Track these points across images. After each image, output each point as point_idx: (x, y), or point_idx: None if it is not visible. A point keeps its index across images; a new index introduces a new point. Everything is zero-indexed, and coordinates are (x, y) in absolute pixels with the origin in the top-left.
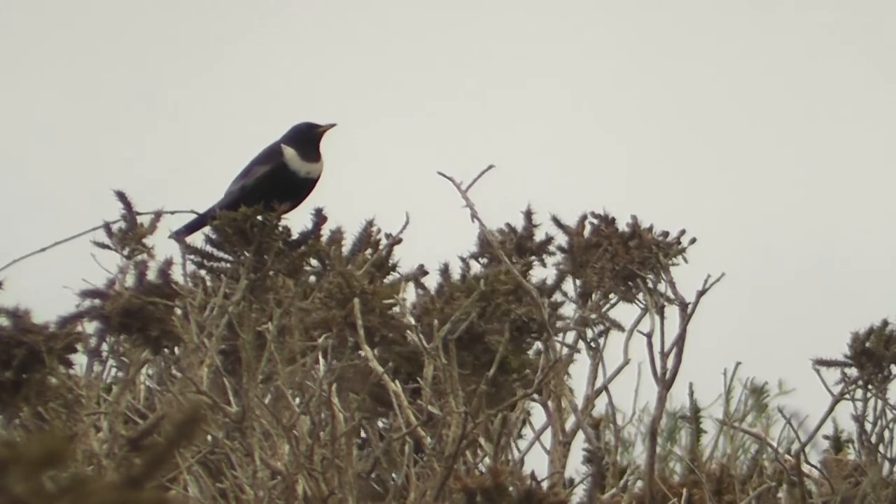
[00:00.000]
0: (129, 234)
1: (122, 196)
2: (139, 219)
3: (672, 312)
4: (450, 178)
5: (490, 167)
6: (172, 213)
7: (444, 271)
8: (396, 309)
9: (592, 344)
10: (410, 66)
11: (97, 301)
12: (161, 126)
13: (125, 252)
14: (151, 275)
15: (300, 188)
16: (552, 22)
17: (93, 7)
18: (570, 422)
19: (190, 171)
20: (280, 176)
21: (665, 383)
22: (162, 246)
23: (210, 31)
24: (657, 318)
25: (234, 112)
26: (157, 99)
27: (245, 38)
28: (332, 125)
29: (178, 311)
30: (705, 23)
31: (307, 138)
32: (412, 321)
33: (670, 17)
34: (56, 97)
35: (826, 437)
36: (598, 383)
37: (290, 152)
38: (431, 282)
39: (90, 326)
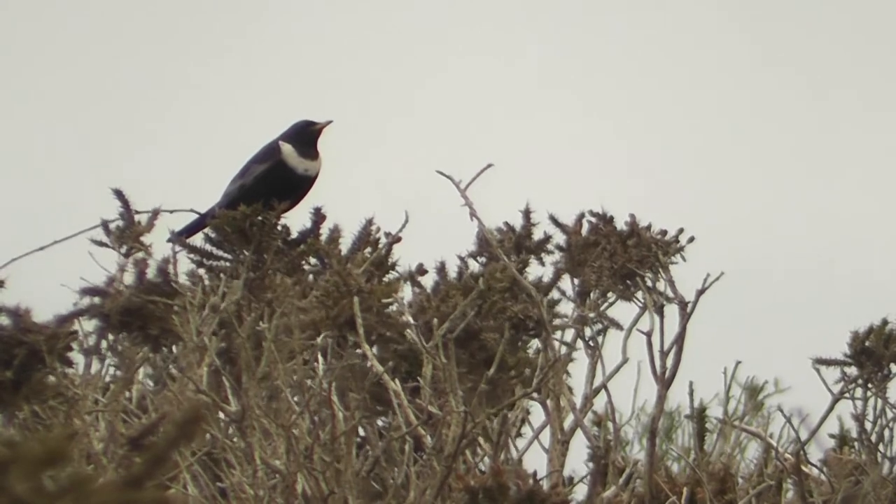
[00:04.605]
0: (127, 233)
1: (119, 194)
2: (136, 217)
3: (671, 311)
4: (449, 177)
5: (489, 166)
6: (171, 212)
7: (441, 270)
8: (394, 308)
9: (591, 343)
10: (410, 64)
11: (97, 299)
12: (160, 125)
13: (123, 250)
14: (151, 273)
15: (298, 186)
16: (551, 21)
17: (91, 5)
18: (568, 420)
19: (189, 169)
20: (278, 173)
21: (665, 382)
22: (160, 244)
23: (209, 30)
24: (656, 317)
25: (233, 111)
26: (155, 98)
27: (245, 37)
28: (329, 122)
29: (178, 310)
30: (704, 22)
31: (305, 136)
32: (410, 320)
33: (669, 17)
34: (54, 96)
35: (831, 436)
36: (597, 382)
37: (287, 149)
38: (429, 280)
39: (88, 325)
